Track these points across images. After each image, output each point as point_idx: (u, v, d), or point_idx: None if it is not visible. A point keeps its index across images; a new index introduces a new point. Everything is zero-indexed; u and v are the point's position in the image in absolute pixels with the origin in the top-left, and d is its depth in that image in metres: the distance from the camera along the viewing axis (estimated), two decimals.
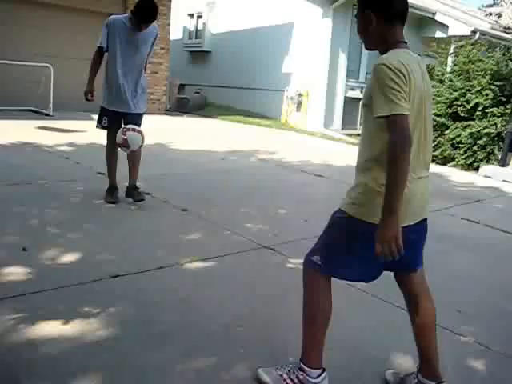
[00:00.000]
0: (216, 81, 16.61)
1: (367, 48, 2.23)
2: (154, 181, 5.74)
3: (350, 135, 13.06)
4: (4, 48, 11.12)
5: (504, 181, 8.51)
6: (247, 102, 15.53)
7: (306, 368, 2.22)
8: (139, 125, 4.86)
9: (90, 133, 8.87)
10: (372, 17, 2.06)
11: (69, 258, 3.50)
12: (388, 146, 1.90)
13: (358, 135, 13.24)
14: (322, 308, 2.21)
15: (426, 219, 2.20)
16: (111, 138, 4.91)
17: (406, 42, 2.10)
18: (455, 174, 8.61)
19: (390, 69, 1.90)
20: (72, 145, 7.79)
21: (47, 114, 10.81)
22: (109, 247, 3.79)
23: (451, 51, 11.32)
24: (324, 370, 2.24)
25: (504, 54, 10.58)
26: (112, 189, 5.07)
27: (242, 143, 9.82)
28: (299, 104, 14.21)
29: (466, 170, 9.37)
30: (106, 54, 4.83)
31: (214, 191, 5.89)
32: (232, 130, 12.15)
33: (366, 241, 2.01)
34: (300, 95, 14.13)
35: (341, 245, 2.13)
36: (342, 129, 13.98)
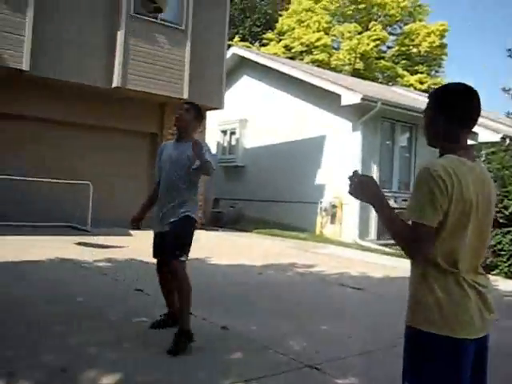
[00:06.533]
0: (250, 194, 16.90)
1: (428, 144, 2.20)
2: (193, 297, 5.68)
3: (386, 245, 12.91)
4: (49, 167, 11.67)
5: None
6: (282, 215, 15.64)
7: None
8: (177, 254, 4.21)
9: (127, 248, 9.00)
10: (440, 116, 2.07)
11: (109, 379, 3.39)
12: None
13: (394, 245, 13.07)
14: None
15: (486, 337, 2.07)
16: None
17: (468, 148, 2.08)
18: (501, 283, 8.30)
19: (431, 175, 1.92)
20: (110, 261, 7.84)
21: (86, 230, 11.03)
22: (149, 367, 3.68)
23: (483, 158, 11.39)
24: None
25: None
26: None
27: (279, 257, 9.77)
28: (333, 215, 14.26)
29: (510, 277, 9.06)
30: None
31: (252, 307, 5.78)
32: (268, 244, 12.14)
33: (441, 357, 1.94)
34: (334, 206, 14.21)
35: (419, 367, 2.00)
36: (378, 239, 13.86)
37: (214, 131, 17.44)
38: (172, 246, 4.22)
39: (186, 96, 12.09)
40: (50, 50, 11.03)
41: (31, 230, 10.25)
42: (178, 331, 4.14)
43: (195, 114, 4.48)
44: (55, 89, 11.58)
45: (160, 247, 4.44)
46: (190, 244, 4.32)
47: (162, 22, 12.37)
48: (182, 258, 4.22)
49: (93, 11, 11.77)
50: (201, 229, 13.89)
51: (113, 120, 12.63)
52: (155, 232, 4.52)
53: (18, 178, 10.69)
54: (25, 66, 10.49)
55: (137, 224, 4.65)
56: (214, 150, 18.49)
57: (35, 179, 10.88)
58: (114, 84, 11.77)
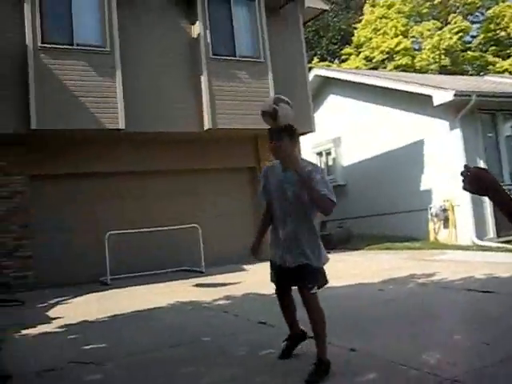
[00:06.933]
0: (355, 211, 16.59)
1: None
2: None
3: (508, 242, 12.17)
4: (159, 216, 12.15)
5: None
6: (391, 227, 15.20)
7: None
8: (309, 287, 4.13)
9: (243, 284, 9.09)
10: None
11: None
12: None
13: None
14: None
15: None
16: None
17: None
18: None
19: None
20: (228, 298, 7.94)
21: (201, 272, 11.27)
22: None
23: None
24: None
25: None
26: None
27: (397, 270, 9.47)
28: (446, 219, 13.68)
29: None
30: None
31: (378, 324, 5.60)
32: (383, 259, 11.84)
33: None
34: (445, 210, 13.64)
35: None
36: (499, 236, 13.08)
37: (308, 154, 17.40)
38: (304, 281, 4.15)
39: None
40: (141, 105, 11.53)
41: (148, 278, 10.63)
42: (318, 361, 4.06)
43: (289, 136, 4.16)
44: (149, 140, 12.09)
45: (283, 278, 4.35)
46: (323, 274, 4.27)
47: (241, 59, 12.63)
48: (313, 291, 4.15)
49: (174, 61, 12.23)
50: None
51: (208, 160, 12.94)
52: (277, 263, 4.34)
53: (132, 230, 11.20)
54: (121, 124, 11.03)
55: (256, 252, 4.54)
56: None
57: (144, 230, 11.32)
58: (206, 126, 12.08)
